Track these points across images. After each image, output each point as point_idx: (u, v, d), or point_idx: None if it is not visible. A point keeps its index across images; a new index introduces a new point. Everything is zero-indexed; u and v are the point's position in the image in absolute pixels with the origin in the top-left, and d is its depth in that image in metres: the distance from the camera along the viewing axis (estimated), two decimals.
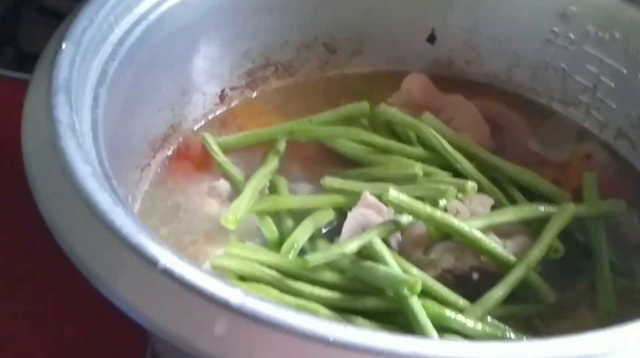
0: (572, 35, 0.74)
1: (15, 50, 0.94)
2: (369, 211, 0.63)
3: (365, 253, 0.59)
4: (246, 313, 0.42)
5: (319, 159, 0.73)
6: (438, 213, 0.61)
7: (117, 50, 0.62)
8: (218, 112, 0.76)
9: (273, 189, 0.69)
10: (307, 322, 0.41)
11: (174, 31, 0.68)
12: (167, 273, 0.43)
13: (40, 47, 0.92)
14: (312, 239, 0.64)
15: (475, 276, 0.62)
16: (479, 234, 0.61)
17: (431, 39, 0.80)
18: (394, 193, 0.60)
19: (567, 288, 0.63)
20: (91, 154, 0.52)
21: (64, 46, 0.57)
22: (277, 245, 0.64)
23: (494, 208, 0.65)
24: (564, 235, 0.64)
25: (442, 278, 0.61)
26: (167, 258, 0.44)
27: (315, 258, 0.59)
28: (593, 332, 0.43)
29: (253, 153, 0.72)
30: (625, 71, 0.72)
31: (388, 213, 0.63)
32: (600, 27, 0.72)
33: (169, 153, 0.72)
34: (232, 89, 0.77)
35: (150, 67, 0.66)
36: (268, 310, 0.42)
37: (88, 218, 0.47)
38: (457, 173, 0.68)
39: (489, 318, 0.59)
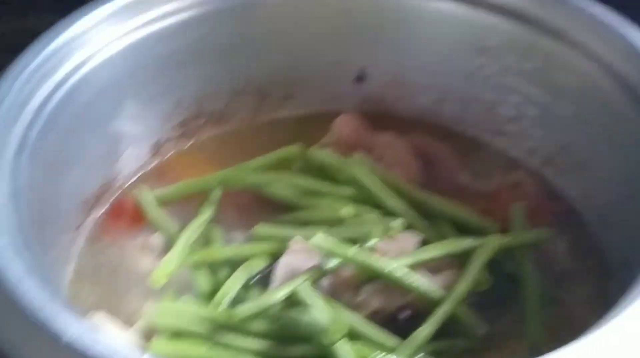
0: (493, 68, 0.76)
1: None
2: (298, 257, 0.64)
3: (295, 300, 0.60)
4: None
5: (254, 206, 0.73)
6: (362, 255, 0.62)
7: (38, 117, 0.62)
8: (153, 165, 0.77)
9: (208, 240, 0.70)
10: None
11: (97, 92, 0.69)
12: (71, 348, 0.44)
13: None
14: (247, 288, 0.65)
15: (405, 314, 0.63)
16: (402, 273, 0.62)
17: (360, 78, 0.81)
18: (318, 238, 0.62)
19: (497, 319, 0.64)
20: (9, 223, 0.53)
21: None
22: (211, 297, 0.64)
23: (424, 243, 0.67)
24: (493, 265, 0.65)
25: (372, 318, 0.62)
26: (73, 330, 0.44)
27: (243, 309, 0.60)
28: None
29: (190, 204, 0.73)
30: (546, 100, 0.73)
31: (317, 257, 0.64)
32: (520, 58, 0.74)
33: (103, 210, 0.72)
34: (165, 140, 0.78)
35: (76, 128, 0.67)
36: None
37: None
38: (388, 211, 0.69)
39: (420, 355, 0.60)
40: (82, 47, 0.67)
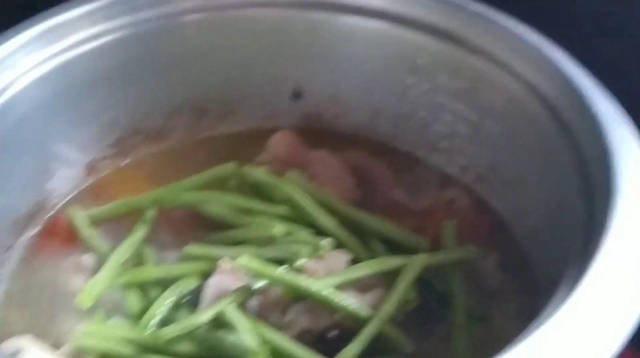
0: (424, 86, 0.76)
1: None
2: (225, 278, 0.64)
3: (222, 321, 0.61)
4: None
5: (189, 225, 0.73)
6: (287, 276, 0.62)
7: None
8: (88, 183, 0.77)
9: (140, 259, 0.69)
10: None
11: (25, 114, 0.69)
12: None
13: None
14: (177, 307, 0.65)
15: (332, 334, 0.63)
16: (327, 293, 0.62)
17: (296, 95, 0.82)
18: (244, 259, 0.62)
19: (426, 338, 0.64)
20: None
21: None
22: (142, 317, 0.64)
23: (354, 261, 0.67)
24: (422, 283, 0.66)
25: (300, 338, 0.62)
26: None
27: (168, 330, 0.60)
28: None
29: (125, 222, 0.73)
30: (475, 118, 0.74)
31: (245, 278, 0.64)
32: (449, 77, 0.75)
33: (36, 230, 0.72)
34: (101, 159, 0.77)
35: (5, 149, 0.67)
36: None
37: None
38: (320, 230, 0.70)
39: None
40: (8, 69, 0.67)
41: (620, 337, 0.49)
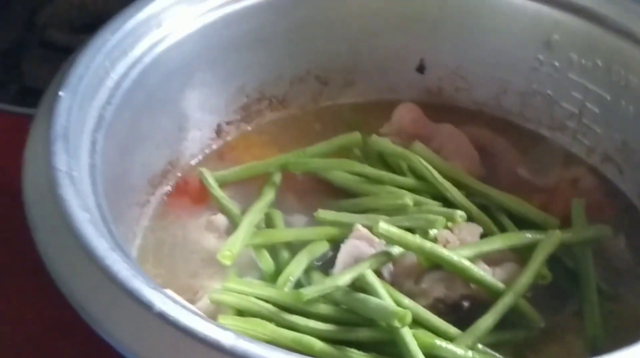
0: (556, 63, 0.76)
1: (18, 85, 0.95)
2: (361, 243, 0.65)
3: (358, 285, 0.61)
4: (238, 354, 0.44)
5: (314, 191, 0.75)
6: (427, 244, 0.63)
7: (114, 94, 0.64)
8: (215, 147, 0.78)
9: (269, 222, 0.71)
10: None
11: (169, 72, 0.70)
12: (162, 317, 0.45)
13: (43, 82, 0.93)
14: (308, 271, 0.66)
15: (465, 304, 0.63)
16: (467, 263, 0.63)
17: (420, 68, 0.82)
18: (383, 225, 0.62)
19: (556, 313, 0.65)
20: (89, 200, 0.54)
21: (61, 94, 0.59)
22: (274, 278, 0.65)
23: (483, 236, 0.67)
24: (552, 260, 0.66)
25: (433, 307, 0.62)
26: (161, 302, 0.46)
27: (309, 291, 0.61)
28: None
29: (250, 186, 0.74)
30: (608, 97, 0.74)
31: (380, 245, 0.65)
32: (583, 55, 0.74)
33: (168, 188, 0.74)
34: (227, 123, 0.79)
35: (147, 108, 0.69)
36: (258, 351, 0.44)
37: (86, 263, 0.49)
38: (448, 202, 0.70)
39: (479, 346, 0.60)
40: (157, 28, 0.69)
41: None
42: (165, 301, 0.46)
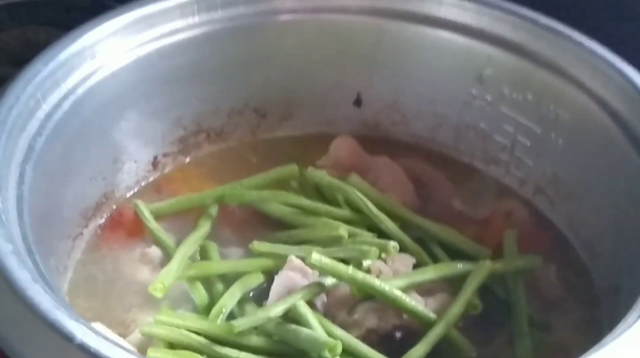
0: (488, 97, 0.78)
1: None
2: (294, 274, 0.65)
3: (291, 316, 0.62)
4: None
5: (250, 223, 0.75)
6: (359, 275, 0.63)
7: (45, 125, 0.64)
8: (151, 179, 0.79)
9: (204, 254, 0.71)
10: None
11: (103, 103, 0.71)
12: (83, 348, 0.45)
13: None
14: (241, 303, 0.66)
15: (398, 334, 0.64)
16: (399, 293, 0.63)
17: (357, 102, 0.84)
18: (316, 256, 0.63)
19: (488, 343, 0.66)
20: (14, 231, 0.54)
21: None
22: (207, 310, 0.66)
23: (416, 266, 0.68)
24: (484, 291, 0.68)
25: (366, 338, 0.63)
26: (82, 333, 0.46)
27: (241, 323, 0.61)
28: None
29: (186, 218, 0.75)
30: (539, 131, 0.76)
31: (313, 276, 0.65)
32: (514, 89, 0.76)
33: (102, 221, 0.74)
34: (164, 155, 0.79)
35: (80, 139, 0.69)
36: None
37: (8, 295, 0.49)
38: (382, 233, 0.71)
39: None
40: (91, 59, 0.69)
41: None
42: (86, 333, 0.46)
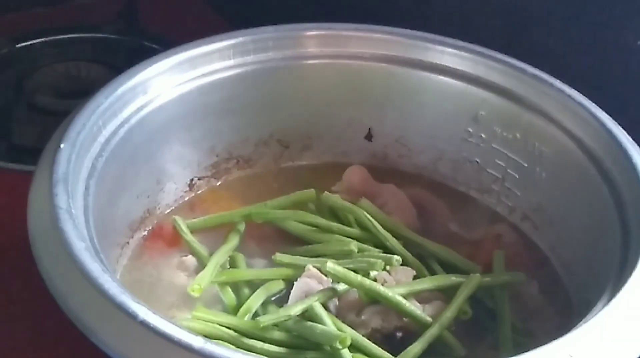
0: (483, 135, 0.88)
1: (7, 143, 1.04)
2: (311, 281, 0.75)
3: (307, 315, 0.71)
4: (205, 355, 0.54)
5: (273, 239, 0.84)
6: (367, 282, 0.73)
7: (105, 148, 0.74)
8: (187, 198, 0.88)
9: (233, 263, 0.80)
10: None
11: (151, 132, 0.81)
12: (144, 325, 0.55)
13: (30, 141, 1.04)
14: (265, 305, 0.75)
15: (399, 334, 0.73)
16: (401, 299, 0.73)
17: (369, 136, 0.94)
18: (331, 265, 0.73)
19: (476, 345, 0.74)
20: (84, 233, 0.64)
21: (62, 145, 0.70)
22: (235, 311, 0.75)
23: (415, 277, 0.77)
24: (475, 301, 0.76)
25: (371, 336, 0.72)
26: (144, 313, 0.56)
27: (265, 319, 0.70)
28: None
29: (217, 233, 0.84)
30: (526, 165, 0.85)
31: (327, 282, 0.75)
32: (505, 129, 0.86)
33: (145, 233, 0.83)
34: (199, 178, 0.89)
35: (131, 161, 0.79)
36: (223, 352, 0.54)
37: (82, 283, 0.59)
38: (387, 250, 0.80)
39: None
40: (143, 94, 0.80)
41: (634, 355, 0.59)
42: (147, 313, 0.56)
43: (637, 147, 0.75)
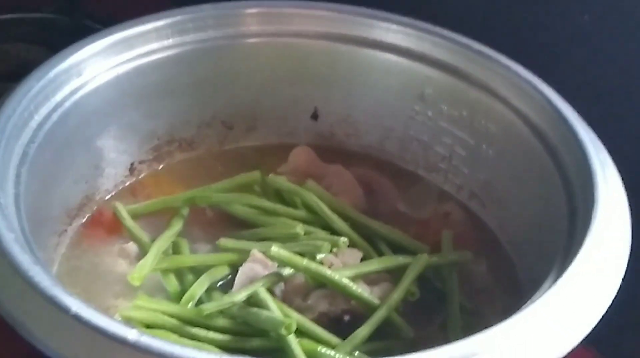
0: (429, 113, 0.87)
1: None
2: (256, 266, 0.74)
3: (253, 301, 0.70)
4: (141, 348, 0.52)
5: (217, 223, 0.83)
6: (313, 265, 0.72)
7: (37, 134, 0.72)
8: (128, 183, 0.86)
9: (176, 249, 0.79)
10: (190, 353, 0.52)
11: (87, 115, 0.78)
12: (77, 318, 0.53)
13: None
14: (209, 291, 0.74)
15: (346, 317, 0.72)
16: (348, 282, 0.72)
17: (314, 116, 0.93)
18: (275, 249, 0.72)
19: (424, 326, 0.74)
20: (14, 223, 0.62)
21: None
22: (179, 298, 0.73)
23: (363, 259, 0.77)
24: (423, 281, 0.76)
25: (318, 321, 0.71)
26: (76, 306, 0.54)
27: (209, 306, 0.69)
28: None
29: (159, 218, 0.82)
30: (472, 142, 0.85)
31: (273, 267, 0.74)
32: (451, 106, 0.85)
33: (84, 220, 0.81)
34: (140, 162, 0.87)
35: (67, 146, 0.77)
36: (159, 345, 0.52)
37: (12, 275, 0.57)
38: (334, 232, 0.79)
39: (357, 353, 0.69)
40: (77, 76, 0.77)
41: (580, 334, 0.59)
42: (79, 305, 0.54)
43: (583, 122, 0.75)
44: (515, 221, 0.82)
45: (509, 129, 0.81)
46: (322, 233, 0.79)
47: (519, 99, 0.80)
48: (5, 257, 0.58)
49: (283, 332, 0.66)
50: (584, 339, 0.59)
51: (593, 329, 0.60)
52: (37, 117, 0.73)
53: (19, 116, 0.70)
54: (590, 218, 0.67)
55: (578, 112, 0.76)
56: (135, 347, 0.52)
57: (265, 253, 0.74)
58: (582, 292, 0.62)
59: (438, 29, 0.85)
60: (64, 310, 0.54)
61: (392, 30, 0.87)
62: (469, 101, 0.84)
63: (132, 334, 0.52)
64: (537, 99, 0.79)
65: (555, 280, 0.63)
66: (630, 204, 0.70)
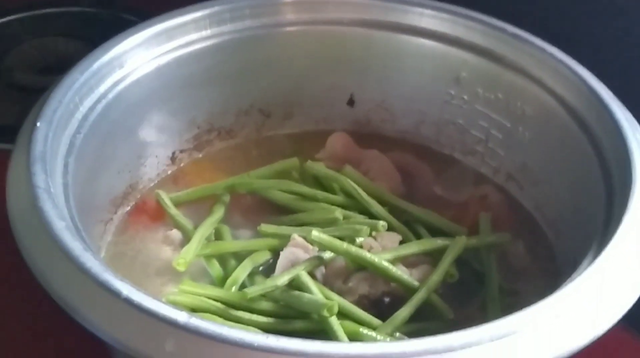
0: (465, 96, 0.88)
1: None
2: (297, 250, 0.75)
3: (294, 285, 0.71)
4: (190, 329, 0.54)
5: (258, 209, 0.84)
6: (353, 249, 0.73)
7: (82, 125, 0.74)
8: (170, 172, 0.88)
9: (218, 235, 0.80)
10: (237, 334, 0.53)
11: (129, 106, 0.80)
12: (128, 301, 0.55)
13: (9, 119, 1.02)
14: (251, 275, 0.75)
15: (386, 299, 0.74)
16: (387, 264, 0.73)
17: (351, 102, 0.93)
18: (316, 233, 0.73)
19: (463, 307, 0.75)
20: (64, 211, 0.64)
21: (38, 124, 0.69)
22: (222, 282, 0.75)
23: (401, 243, 0.78)
24: (461, 263, 0.76)
25: (359, 303, 0.72)
26: (127, 290, 0.56)
27: (252, 290, 0.71)
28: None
29: (201, 205, 0.84)
30: (508, 125, 0.85)
31: (313, 251, 0.75)
32: (487, 89, 0.86)
33: (128, 208, 0.83)
34: (181, 151, 0.89)
35: (110, 137, 0.78)
36: (207, 326, 0.54)
37: (64, 262, 0.59)
38: (373, 216, 0.80)
39: (397, 334, 0.70)
40: (119, 68, 0.79)
41: (618, 313, 0.60)
42: (130, 289, 0.56)
43: (619, 103, 0.75)
44: (552, 202, 0.82)
45: (545, 111, 0.81)
46: (361, 218, 0.80)
47: (554, 80, 0.80)
48: (57, 244, 0.60)
49: (325, 313, 0.67)
50: (621, 319, 0.60)
51: (631, 310, 0.61)
52: (82, 109, 0.74)
53: (65, 108, 0.72)
54: (628, 197, 0.67)
55: (613, 92, 0.76)
56: (185, 328, 0.54)
57: (306, 238, 0.75)
58: (619, 271, 0.62)
59: (472, 13, 0.85)
60: (115, 294, 0.56)
61: (426, 15, 0.87)
62: (505, 84, 0.84)
63: (182, 316, 0.54)
64: (573, 80, 0.79)
65: (593, 259, 0.64)
66: None
